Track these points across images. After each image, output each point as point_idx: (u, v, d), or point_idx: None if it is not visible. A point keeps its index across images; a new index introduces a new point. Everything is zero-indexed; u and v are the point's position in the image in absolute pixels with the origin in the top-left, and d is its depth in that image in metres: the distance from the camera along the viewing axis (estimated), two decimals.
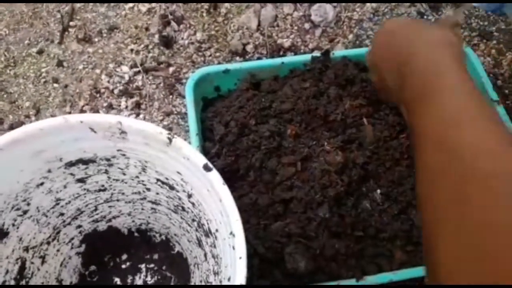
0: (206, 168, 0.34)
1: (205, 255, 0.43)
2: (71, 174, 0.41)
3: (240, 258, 0.30)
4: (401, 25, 0.44)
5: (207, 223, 0.40)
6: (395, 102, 0.44)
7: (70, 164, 0.40)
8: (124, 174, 0.42)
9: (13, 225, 0.40)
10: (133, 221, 0.50)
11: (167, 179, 0.40)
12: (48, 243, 0.45)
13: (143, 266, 0.50)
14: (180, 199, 0.42)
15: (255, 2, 0.70)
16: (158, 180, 0.42)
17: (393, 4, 0.72)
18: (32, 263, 0.43)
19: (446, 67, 0.34)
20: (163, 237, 0.51)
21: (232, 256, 0.32)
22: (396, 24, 0.45)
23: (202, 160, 0.34)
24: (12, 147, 0.35)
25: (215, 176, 0.33)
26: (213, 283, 0.40)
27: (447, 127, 0.30)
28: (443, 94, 0.32)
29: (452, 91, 0.32)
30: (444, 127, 0.30)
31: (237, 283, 0.30)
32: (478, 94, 0.32)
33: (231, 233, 0.32)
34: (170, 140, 0.34)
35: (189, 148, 0.34)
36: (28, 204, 0.40)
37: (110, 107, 0.62)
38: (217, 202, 0.34)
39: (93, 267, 0.50)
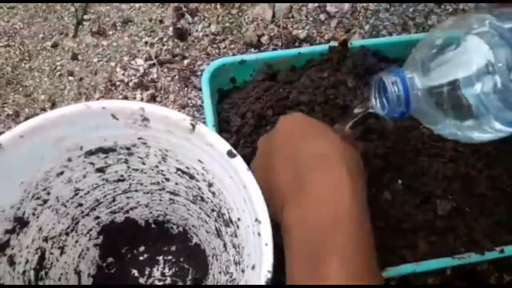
0: (230, 154, 0.33)
1: (225, 245, 0.42)
2: (91, 163, 0.40)
3: (267, 244, 0.30)
4: (289, 132, 0.37)
5: (228, 213, 0.39)
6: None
7: (90, 152, 0.39)
8: (143, 163, 0.42)
9: (33, 214, 0.39)
10: (150, 213, 0.50)
11: (187, 168, 0.40)
12: (67, 233, 0.44)
13: (160, 258, 0.49)
14: (200, 189, 0.42)
15: (269, 2, 0.69)
16: (178, 169, 0.41)
17: None
18: (52, 253, 0.43)
19: None
20: (181, 228, 0.50)
21: (257, 243, 0.31)
22: (287, 126, 0.37)
23: (226, 146, 0.33)
24: (33, 134, 0.35)
25: (239, 162, 0.33)
26: (234, 273, 0.39)
27: None
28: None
29: None
30: None
31: (263, 270, 0.29)
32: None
33: (256, 219, 0.31)
34: (193, 126, 0.34)
35: (213, 134, 0.34)
36: (48, 194, 0.40)
37: (125, 100, 0.62)
38: (240, 189, 0.33)
39: (110, 259, 0.49)
